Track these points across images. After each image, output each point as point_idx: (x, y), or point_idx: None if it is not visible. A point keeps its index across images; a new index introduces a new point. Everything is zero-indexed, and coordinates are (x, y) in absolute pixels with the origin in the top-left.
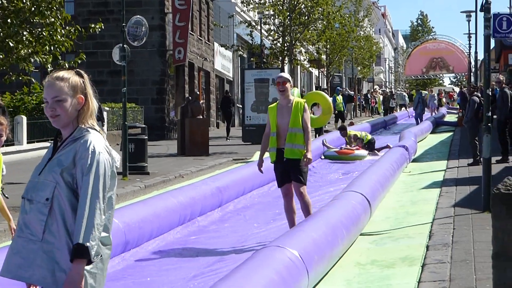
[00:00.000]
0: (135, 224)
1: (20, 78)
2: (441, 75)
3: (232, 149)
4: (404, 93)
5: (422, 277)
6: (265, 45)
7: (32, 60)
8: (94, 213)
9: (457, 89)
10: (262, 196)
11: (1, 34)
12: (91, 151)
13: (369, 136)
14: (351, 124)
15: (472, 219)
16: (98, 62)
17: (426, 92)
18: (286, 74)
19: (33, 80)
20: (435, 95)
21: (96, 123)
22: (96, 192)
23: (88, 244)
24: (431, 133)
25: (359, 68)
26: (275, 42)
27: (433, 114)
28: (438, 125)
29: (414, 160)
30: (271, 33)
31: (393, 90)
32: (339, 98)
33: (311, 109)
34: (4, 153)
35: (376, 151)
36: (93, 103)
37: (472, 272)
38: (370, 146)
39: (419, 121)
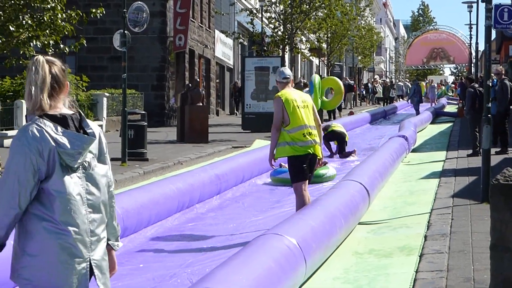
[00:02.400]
0: (133, 210)
1: (21, 62)
2: (441, 65)
3: (231, 137)
4: (402, 84)
5: (420, 266)
6: (266, 33)
7: (32, 44)
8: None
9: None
10: (261, 184)
11: (2, 18)
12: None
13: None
14: (351, 113)
15: (471, 210)
16: (99, 48)
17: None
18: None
19: None
20: (435, 85)
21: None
22: (1, 182)
23: None
24: (431, 123)
25: (359, 58)
26: (276, 30)
27: (433, 104)
28: (438, 115)
29: (414, 150)
30: (272, 21)
31: (393, 80)
32: None
33: (326, 95)
34: (4, 137)
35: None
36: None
37: (470, 262)
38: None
39: (419, 112)
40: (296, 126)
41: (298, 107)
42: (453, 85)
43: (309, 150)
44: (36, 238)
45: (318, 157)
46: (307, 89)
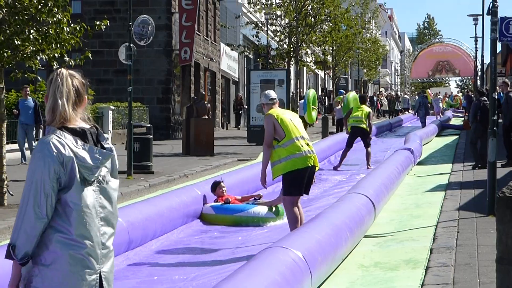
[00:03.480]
0: (139, 223)
1: (26, 75)
2: (447, 78)
3: (237, 150)
4: (408, 97)
5: (426, 280)
6: (271, 46)
7: (38, 57)
8: (22, 215)
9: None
10: (267, 196)
11: (8, 31)
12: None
13: None
14: None
15: (477, 223)
16: (104, 61)
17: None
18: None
19: (39, 78)
20: (440, 98)
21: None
22: (26, 194)
23: (14, 244)
24: (436, 136)
25: (365, 71)
26: (281, 43)
27: (438, 117)
28: (443, 128)
29: (419, 163)
30: (278, 34)
31: (399, 92)
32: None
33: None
34: (10, 151)
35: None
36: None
37: (476, 275)
38: None
39: (425, 124)
40: (292, 137)
41: (291, 120)
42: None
43: (309, 163)
44: (50, 249)
45: (317, 168)
46: (302, 101)
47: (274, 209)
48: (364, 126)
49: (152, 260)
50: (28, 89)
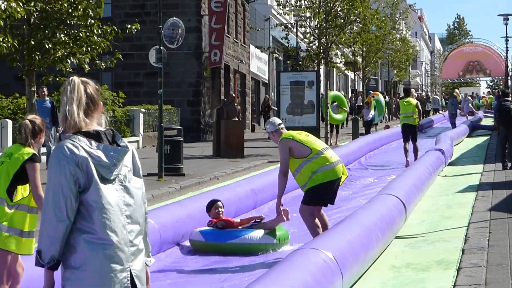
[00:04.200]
0: (170, 225)
1: (57, 79)
2: (478, 78)
3: (267, 151)
4: (438, 98)
5: (458, 280)
6: (301, 47)
7: (69, 61)
8: (44, 220)
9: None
10: (297, 198)
11: (38, 35)
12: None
13: None
14: (387, 127)
15: (508, 223)
16: (135, 64)
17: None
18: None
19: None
20: (470, 98)
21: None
22: (46, 199)
23: (40, 249)
24: (467, 137)
25: (395, 71)
26: (311, 44)
27: (468, 117)
28: (474, 128)
29: (450, 164)
30: (307, 36)
31: (429, 93)
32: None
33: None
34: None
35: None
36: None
37: (508, 276)
38: None
39: (455, 125)
40: (319, 150)
41: (308, 135)
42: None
43: (339, 173)
44: (78, 251)
45: (345, 177)
46: (335, 103)
47: (277, 233)
48: (414, 122)
49: (183, 262)
50: (45, 89)
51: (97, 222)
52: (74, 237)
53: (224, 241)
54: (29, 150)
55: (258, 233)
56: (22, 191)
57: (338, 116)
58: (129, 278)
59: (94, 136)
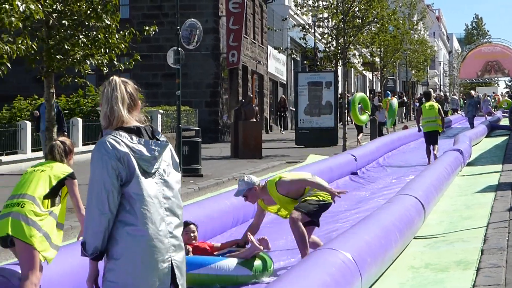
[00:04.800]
0: None
1: (76, 80)
2: (496, 78)
3: (285, 152)
4: (456, 98)
5: (477, 281)
6: (319, 48)
7: (88, 62)
8: (88, 213)
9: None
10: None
11: (57, 37)
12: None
13: None
14: (405, 127)
15: None
16: (153, 65)
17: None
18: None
19: (88, 83)
20: (489, 98)
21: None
22: (89, 193)
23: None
24: (486, 137)
25: (413, 72)
26: (328, 45)
27: (486, 117)
28: (493, 129)
29: (469, 164)
30: (325, 36)
31: (447, 93)
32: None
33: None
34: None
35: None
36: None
37: None
38: None
39: (473, 126)
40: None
41: (292, 174)
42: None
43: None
44: (120, 243)
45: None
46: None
47: (254, 263)
48: (437, 127)
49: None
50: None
51: (138, 214)
52: (117, 229)
53: (187, 270)
54: (68, 168)
55: (230, 263)
56: (52, 203)
57: (363, 117)
58: (169, 268)
59: (135, 131)
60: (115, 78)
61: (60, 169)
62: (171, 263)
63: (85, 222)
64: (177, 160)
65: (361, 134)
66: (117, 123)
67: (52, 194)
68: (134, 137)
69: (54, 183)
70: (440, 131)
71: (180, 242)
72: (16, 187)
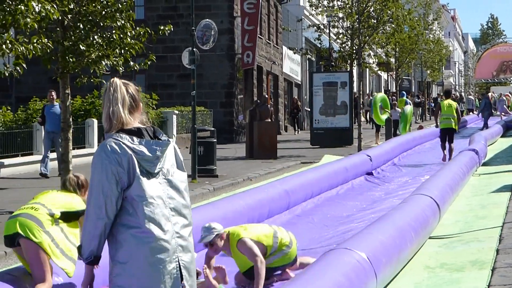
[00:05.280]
0: None
1: (92, 80)
2: (511, 78)
3: (300, 153)
4: (472, 98)
5: (492, 281)
6: (334, 48)
7: (103, 62)
8: (85, 216)
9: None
10: (330, 199)
11: (72, 37)
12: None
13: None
14: (421, 127)
15: None
16: (168, 66)
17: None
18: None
19: (104, 82)
20: (504, 98)
21: None
22: (88, 196)
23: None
24: (501, 136)
25: (428, 72)
26: (343, 45)
27: (502, 117)
28: (508, 128)
29: (484, 164)
30: (340, 36)
31: (462, 93)
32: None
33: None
34: (76, 156)
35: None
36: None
37: None
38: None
39: (488, 126)
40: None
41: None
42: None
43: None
44: (125, 246)
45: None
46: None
47: None
48: (453, 125)
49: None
50: (54, 93)
51: (141, 216)
52: (121, 233)
53: None
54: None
55: None
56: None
57: (384, 116)
58: (178, 269)
59: (136, 132)
60: (116, 80)
61: (80, 200)
62: (179, 263)
63: (83, 226)
64: (181, 158)
65: (380, 131)
66: (118, 125)
67: (65, 217)
68: (135, 138)
69: (69, 209)
70: (455, 128)
71: (188, 243)
72: (32, 199)
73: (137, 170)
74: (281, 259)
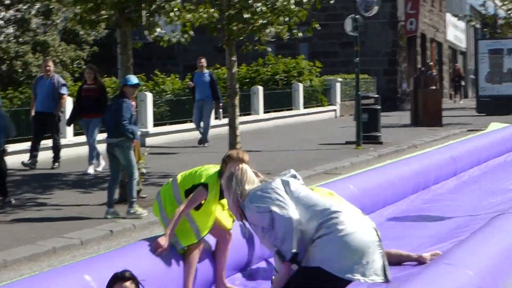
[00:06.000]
0: (369, 190)
1: (256, 47)
2: None
3: (465, 120)
4: None
5: None
6: (499, 15)
7: (267, 30)
8: None
9: None
10: (498, 166)
11: (237, 5)
12: None
13: None
14: None
15: None
16: (330, 34)
17: None
18: None
19: (269, 49)
20: None
21: None
22: None
23: None
24: None
25: None
26: (509, 12)
27: None
28: None
29: None
30: (506, 3)
31: None
32: None
33: None
34: (242, 122)
35: None
36: None
37: None
38: None
39: None
40: None
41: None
42: None
43: None
44: None
45: None
46: None
47: None
48: None
49: (384, 227)
50: (203, 60)
51: None
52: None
53: None
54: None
55: None
56: None
57: None
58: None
59: None
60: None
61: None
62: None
63: None
64: None
65: None
66: None
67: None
68: None
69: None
70: None
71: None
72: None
73: None
74: None
